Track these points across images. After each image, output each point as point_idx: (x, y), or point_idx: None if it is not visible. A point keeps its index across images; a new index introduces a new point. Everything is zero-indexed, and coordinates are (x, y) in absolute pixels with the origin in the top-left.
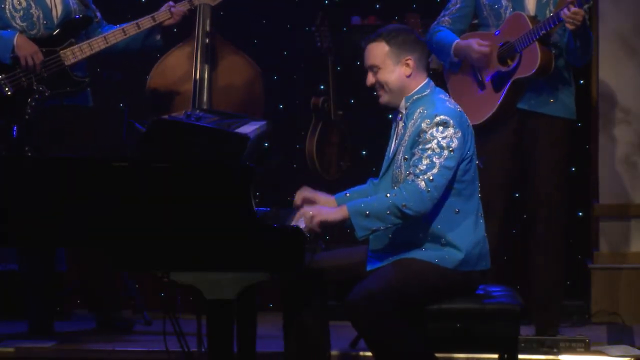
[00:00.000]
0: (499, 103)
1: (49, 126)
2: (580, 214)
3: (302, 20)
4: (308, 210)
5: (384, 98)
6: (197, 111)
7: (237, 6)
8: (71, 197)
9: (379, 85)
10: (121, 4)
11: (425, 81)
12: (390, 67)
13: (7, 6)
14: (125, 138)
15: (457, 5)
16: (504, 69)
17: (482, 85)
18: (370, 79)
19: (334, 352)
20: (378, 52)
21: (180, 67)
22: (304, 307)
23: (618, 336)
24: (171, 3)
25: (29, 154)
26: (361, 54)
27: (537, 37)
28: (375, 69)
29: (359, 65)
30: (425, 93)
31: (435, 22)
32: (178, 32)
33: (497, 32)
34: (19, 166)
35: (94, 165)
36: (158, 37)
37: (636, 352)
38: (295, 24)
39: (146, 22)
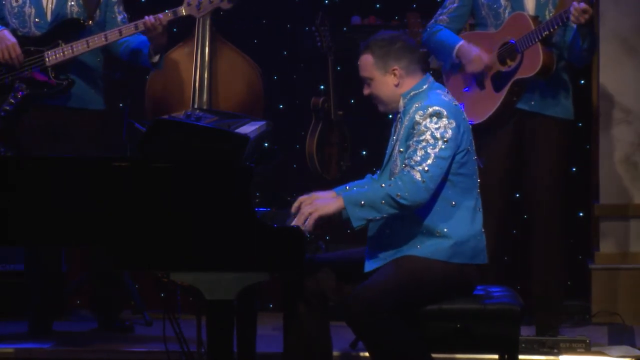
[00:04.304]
0: (499, 103)
1: (30, 125)
2: (581, 214)
3: (302, 20)
4: (306, 209)
5: (380, 108)
6: (197, 111)
7: (237, 6)
8: (71, 196)
9: (373, 96)
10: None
11: (422, 78)
12: (379, 77)
13: (7, 3)
14: (125, 137)
15: (455, 4)
16: (504, 69)
17: (481, 85)
18: (366, 89)
19: (334, 353)
20: (366, 64)
21: (180, 67)
22: (304, 307)
23: (619, 336)
24: (147, 16)
25: (3, 150)
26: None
27: (540, 37)
28: (367, 80)
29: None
30: (422, 89)
31: (433, 21)
32: (178, 32)
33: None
34: (19, 165)
35: (94, 165)
36: (156, 58)
37: (637, 352)
38: (295, 24)
39: (129, 30)
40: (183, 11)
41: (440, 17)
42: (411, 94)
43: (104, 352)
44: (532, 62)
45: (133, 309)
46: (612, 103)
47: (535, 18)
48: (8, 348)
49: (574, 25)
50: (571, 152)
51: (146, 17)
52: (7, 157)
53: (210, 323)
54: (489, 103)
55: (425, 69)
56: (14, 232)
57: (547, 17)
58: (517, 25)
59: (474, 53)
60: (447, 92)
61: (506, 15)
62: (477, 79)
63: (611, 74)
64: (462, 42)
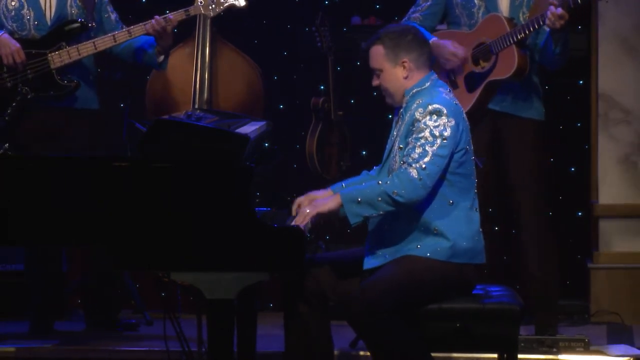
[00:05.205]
0: (472, 103)
1: (33, 126)
2: (580, 214)
3: (302, 20)
4: (304, 209)
5: (388, 100)
6: (198, 111)
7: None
8: (71, 196)
9: (382, 88)
10: (122, 5)
11: (425, 75)
12: (389, 69)
13: (2, 6)
14: (125, 137)
15: (429, 2)
16: (477, 69)
17: (454, 84)
18: (375, 80)
19: (334, 352)
20: (376, 55)
21: (181, 67)
22: (304, 306)
23: (617, 336)
24: (157, 17)
25: (9, 153)
26: (361, 54)
27: (515, 40)
28: (377, 71)
29: (359, 65)
30: (424, 86)
31: (406, 18)
32: (178, 32)
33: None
34: (19, 165)
35: (94, 165)
36: (161, 58)
37: (635, 351)
38: (295, 24)
39: (138, 30)
40: (195, 11)
41: (414, 15)
42: (414, 90)
43: (105, 352)
44: (507, 64)
45: (133, 308)
46: (611, 103)
47: (510, 20)
48: (9, 347)
49: (547, 29)
50: (546, 151)
51: (155, 19)
52: (7, 157)
53: (210, 322)
54: (462, 103)
55: (429, 65)
56: (14, 232)
57: (521, 19)
58: (492, 27)
59: (449, 49)
60: (449, 91)
61: (480, 15)
62: (450, 79)
63: (611, 74)
64: (433, 39)
